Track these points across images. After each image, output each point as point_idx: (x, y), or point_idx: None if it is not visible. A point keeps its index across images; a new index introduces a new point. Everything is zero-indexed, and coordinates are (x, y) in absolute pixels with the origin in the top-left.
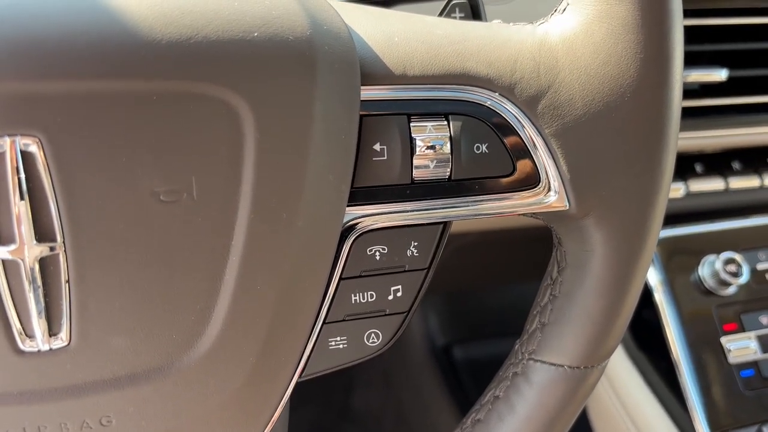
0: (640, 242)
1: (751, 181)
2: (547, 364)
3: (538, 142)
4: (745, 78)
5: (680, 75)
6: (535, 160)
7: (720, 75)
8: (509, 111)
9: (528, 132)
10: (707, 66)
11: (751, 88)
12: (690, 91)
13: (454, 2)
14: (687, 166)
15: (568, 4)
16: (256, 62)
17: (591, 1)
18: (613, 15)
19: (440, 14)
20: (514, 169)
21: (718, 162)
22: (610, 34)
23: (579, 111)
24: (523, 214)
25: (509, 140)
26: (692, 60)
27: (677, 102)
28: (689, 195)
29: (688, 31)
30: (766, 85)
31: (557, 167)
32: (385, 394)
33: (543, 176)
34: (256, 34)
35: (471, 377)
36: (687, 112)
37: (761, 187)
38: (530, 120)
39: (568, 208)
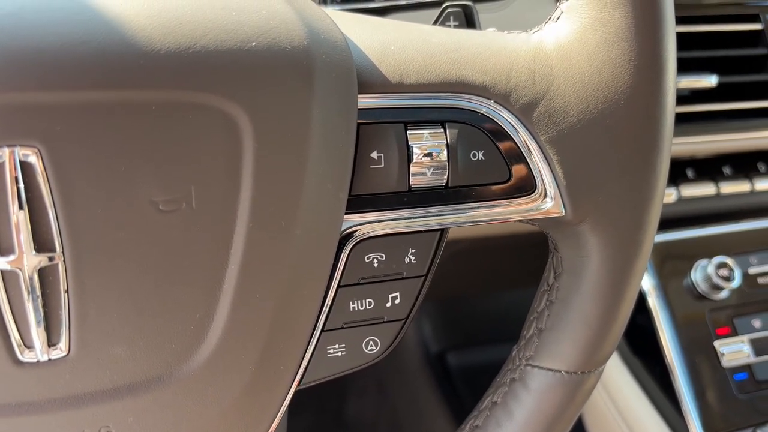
0: (636, 248)
1: (741, 186)
2: (544, 370)
3: (534, 148)
4: (735, 84)
5: (674, 82)
6: (531, 167)
7: (710, 81)
8: (505, 118)
9: (523, 139)
10: (697, 72)
11: (741, 93)
12: (681, 97)
13: (448, 11)
14: (678, 171)
15: (562, 12)
16: (254, 72)
17: (585, 9)
18: (607, 23)
19: (435, 23)
20: (511, 175)
21: (710, 167)
22: (604, 41)
23: (574, 118)
24: (520, 221)
25: (505, 147)
26: (683, 66)
27: (671, 108)
28: (681, 200)
29: (679, 37)
30: (755, 90)
31: (553, 174)
32: (380, 401)
33: (539, 183)
34: (254, 44)
35: (465, 384)
36: (678, 118)
37: (752, 192)
38: (526, 127)
39: (563, 214)
